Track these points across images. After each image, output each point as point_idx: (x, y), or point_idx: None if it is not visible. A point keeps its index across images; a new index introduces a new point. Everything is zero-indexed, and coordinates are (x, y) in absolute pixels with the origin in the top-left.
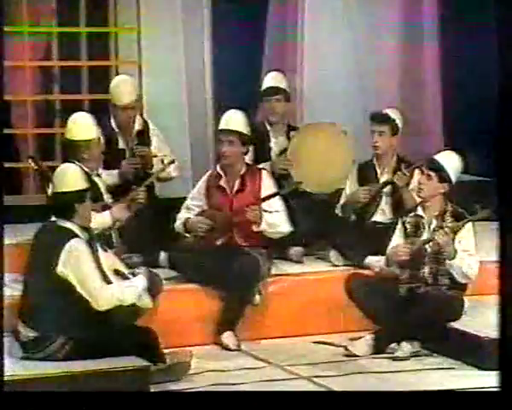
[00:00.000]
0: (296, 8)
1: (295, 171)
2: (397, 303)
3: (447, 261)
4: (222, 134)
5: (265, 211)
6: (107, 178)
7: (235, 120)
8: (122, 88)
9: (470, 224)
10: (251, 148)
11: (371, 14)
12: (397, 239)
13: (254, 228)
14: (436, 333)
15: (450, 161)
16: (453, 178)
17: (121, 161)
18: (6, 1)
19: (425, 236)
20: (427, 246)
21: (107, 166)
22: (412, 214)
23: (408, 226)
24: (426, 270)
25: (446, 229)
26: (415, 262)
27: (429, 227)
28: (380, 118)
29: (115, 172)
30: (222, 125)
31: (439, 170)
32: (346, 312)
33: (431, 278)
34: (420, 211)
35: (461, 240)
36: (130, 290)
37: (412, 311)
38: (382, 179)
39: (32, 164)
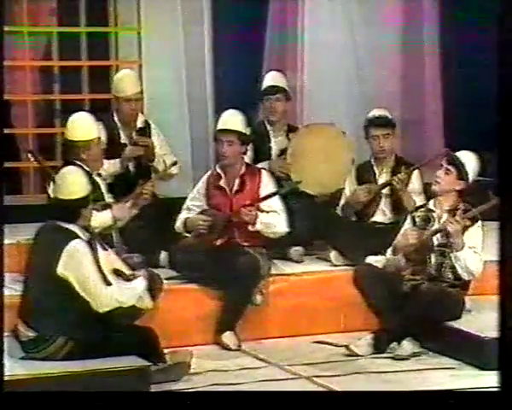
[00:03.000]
0: (296, 9)
1: (294, 172)
2: (400, 300)
3: (453, 253)
4: (221, 134)
5: (262, 211)
6: (109, 166)
7: (233, 119)
8: (126, 80)
9: (480, 222)
10: (250, 147)
11: (371, 14)
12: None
13: (250, 227)
14: (436, 332)
15: (470, 161)
16: (470, 178)
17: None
18: (6, 1)
19: None
20: (434, 238)
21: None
22: (423, 209)
23: (417, 220)
24: (431, 262)
25: (457, 219)
26: (421, 253)
27: (439, 221)
28: (383, 121)
29: (117, 160)
30: (220, 126)
31: (458, 166)
32: (346, 311)
33: (435, 270)
34: (431, 205)
35: (469, 236)
36: (130, 292)
37: (412, 309)
38: (381, 180)
39: (32, 159)
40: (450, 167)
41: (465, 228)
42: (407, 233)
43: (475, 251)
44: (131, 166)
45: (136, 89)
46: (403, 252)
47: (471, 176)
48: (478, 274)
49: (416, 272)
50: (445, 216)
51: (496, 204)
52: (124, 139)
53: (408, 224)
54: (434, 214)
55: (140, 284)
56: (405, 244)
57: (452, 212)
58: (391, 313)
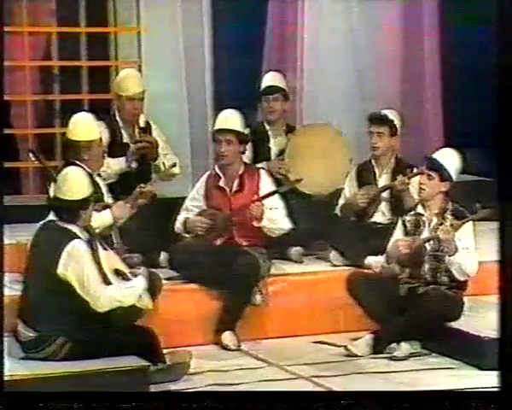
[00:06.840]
0: (296, 9)
1: (292, 172)
2: (397, 303)
3: (447, 258)
4: (219, 134)
5: (266, 208)
6: (114, 164)
7: (230, 119)
8: (129, 79)
9: (470, 222)
10: (249, 147)
11: (371, 12)
12: (397, 237)
13: (255, 223)
14: (436, 333)
15: (450, 159)
16: (454, 176)
17: (126, 154)
18: (6, 1)
19: (425, 234)
20: (426, 244)
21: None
22: (412, 213)
23: (408, 225)
24: (425, 267)
25: (448, 226)
26: (414, 260)
27: (429, 225)
28: (378, 119)
29: (122, 158)
30: (218, 125)
31: (439, 169)
32: (346, 312)
33: (430, 275)
34: (420, 209)
35: (460, 238)
36: (129, 292)
37: (412, 311)
38: (381, 180)
39: (33, 158)
40: (431, 172)
41: (456, 229)
42: (398, 244)
43: (469, 252)
44: (134, 165)
45: (139, 88)
46: (396, 260)
47: (454, 174)
48: (474, 274)
49: (413, 276)
50: (434, 220)
51: (485, 216)
52: (126, 139)
53: (399, 228)
54: (424, 218)
55: (140, 283)
56: (397, 254)
57: (441, 214)
58: (386, 318)
